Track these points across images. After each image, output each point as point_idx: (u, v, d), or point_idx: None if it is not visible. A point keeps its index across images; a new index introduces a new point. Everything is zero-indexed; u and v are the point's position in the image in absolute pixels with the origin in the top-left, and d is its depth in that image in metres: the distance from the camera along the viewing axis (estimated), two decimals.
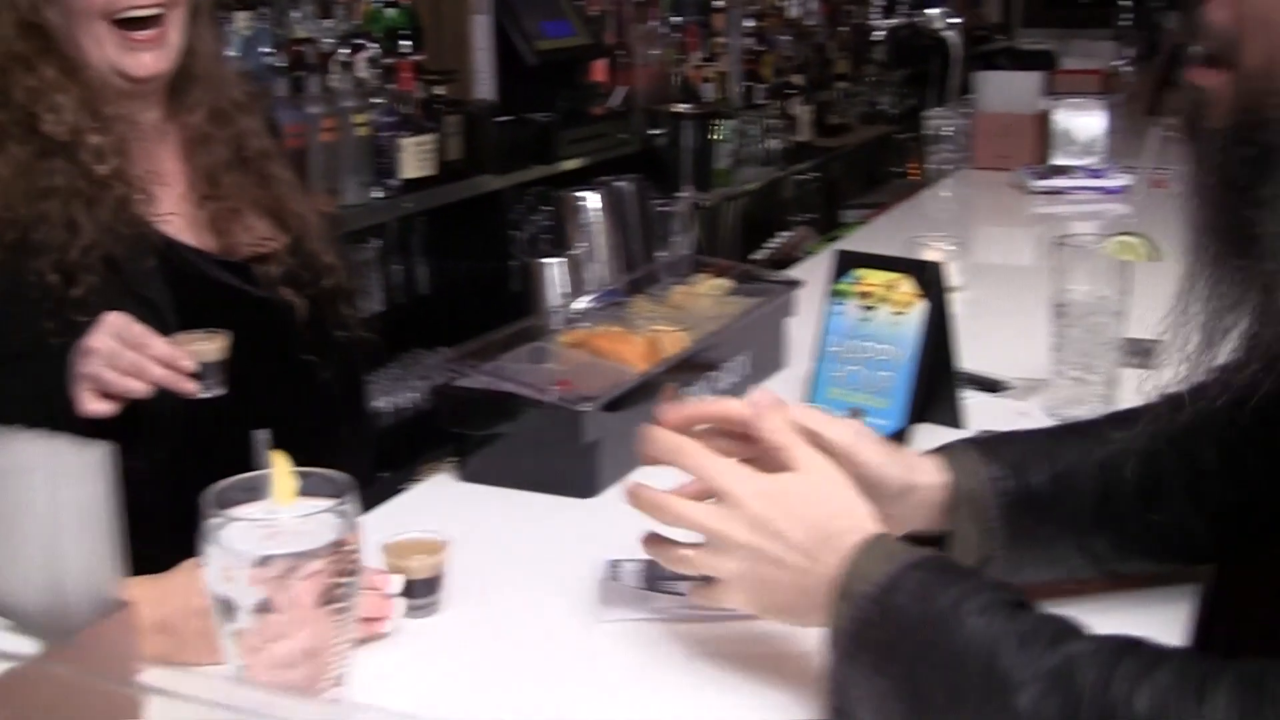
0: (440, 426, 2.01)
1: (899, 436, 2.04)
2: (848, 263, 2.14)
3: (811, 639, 1.36)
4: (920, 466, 1.52)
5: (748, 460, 1.39)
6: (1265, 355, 1.22)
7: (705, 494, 1.36)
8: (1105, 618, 1.21)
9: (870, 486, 1.42)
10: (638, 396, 1.97)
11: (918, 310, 2.06)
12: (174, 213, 2.08)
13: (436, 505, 1.95)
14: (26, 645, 1.15)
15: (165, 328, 1.89)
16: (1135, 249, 2.46)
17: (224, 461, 1.34)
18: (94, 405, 1.80)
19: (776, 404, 1.43)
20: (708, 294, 2.39)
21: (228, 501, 1.24)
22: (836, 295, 2.13)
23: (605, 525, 1.69)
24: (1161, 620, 1.53)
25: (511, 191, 4.40)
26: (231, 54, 3.48)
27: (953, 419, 2.12)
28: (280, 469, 1.27)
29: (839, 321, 2.12)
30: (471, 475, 1.99)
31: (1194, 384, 1.33)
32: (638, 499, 1.38)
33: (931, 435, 2.05)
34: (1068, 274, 2.11)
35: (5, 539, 1.20)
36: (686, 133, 5.17)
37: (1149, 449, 1.49)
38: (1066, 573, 1.55)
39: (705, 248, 4.95)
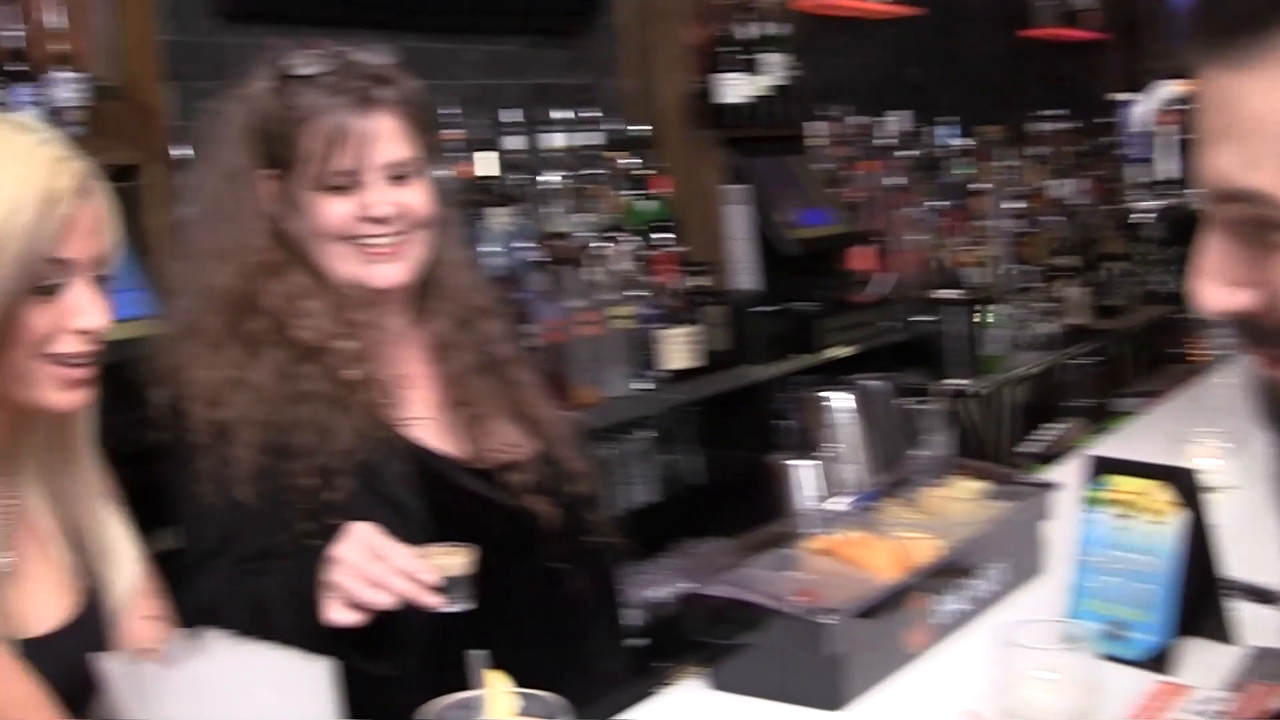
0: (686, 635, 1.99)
1: (1163, 653, 1.93)
2: (1100, 468, 2.06)
3: None
4: None
5: None
6: None
7: None
8: None
9: None
10: (885, 607, 1.92)
11: (1176, 519, 1.96)
12: (423, 418, 2.12)
13: (684, 712, 1.93)
14: None
15: (416, 534, 1.91)
16: None
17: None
18: (339, 615, 1.82)
19: None
20: (961, 497, 2.32)
21: None
22: (1090, 502, 2.05)
23: None
24: None
25: (775, 381, 4.37)
26: (489, 249, 3.59)
27: (1222, 633, 1.99)
28: (496, 690, 1.26)
29: (1094, 530, 2.03)
30: (720, 683, 1.96)
31: None
32: None
33: (1200, 650, 1.94)
34: None
35: None
36: (952, 319, 5.10)
37: None
38: None
39: (972, 439, 4.84)
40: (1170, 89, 6.86)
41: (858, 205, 5.11)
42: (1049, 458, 4.31)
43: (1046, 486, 2.38)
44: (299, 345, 2.04)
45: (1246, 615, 2.04)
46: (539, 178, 3.89)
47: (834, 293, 4.64)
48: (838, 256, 4.83)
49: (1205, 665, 1.92)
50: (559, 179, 3.91)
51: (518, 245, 3.67)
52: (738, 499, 4.01)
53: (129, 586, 1.81)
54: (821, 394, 2.56)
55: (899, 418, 2.56)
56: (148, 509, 1.98)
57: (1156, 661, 1.92)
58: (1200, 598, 1.98)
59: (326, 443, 1.99)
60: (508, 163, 3.82)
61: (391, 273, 2.09)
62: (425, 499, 2.02)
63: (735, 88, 4.46)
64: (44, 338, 1.61)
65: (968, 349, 5.12)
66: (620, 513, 3.58)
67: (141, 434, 2.04)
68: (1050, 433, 5.42)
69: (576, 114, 4.03)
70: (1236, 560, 2.07)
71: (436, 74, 3.87)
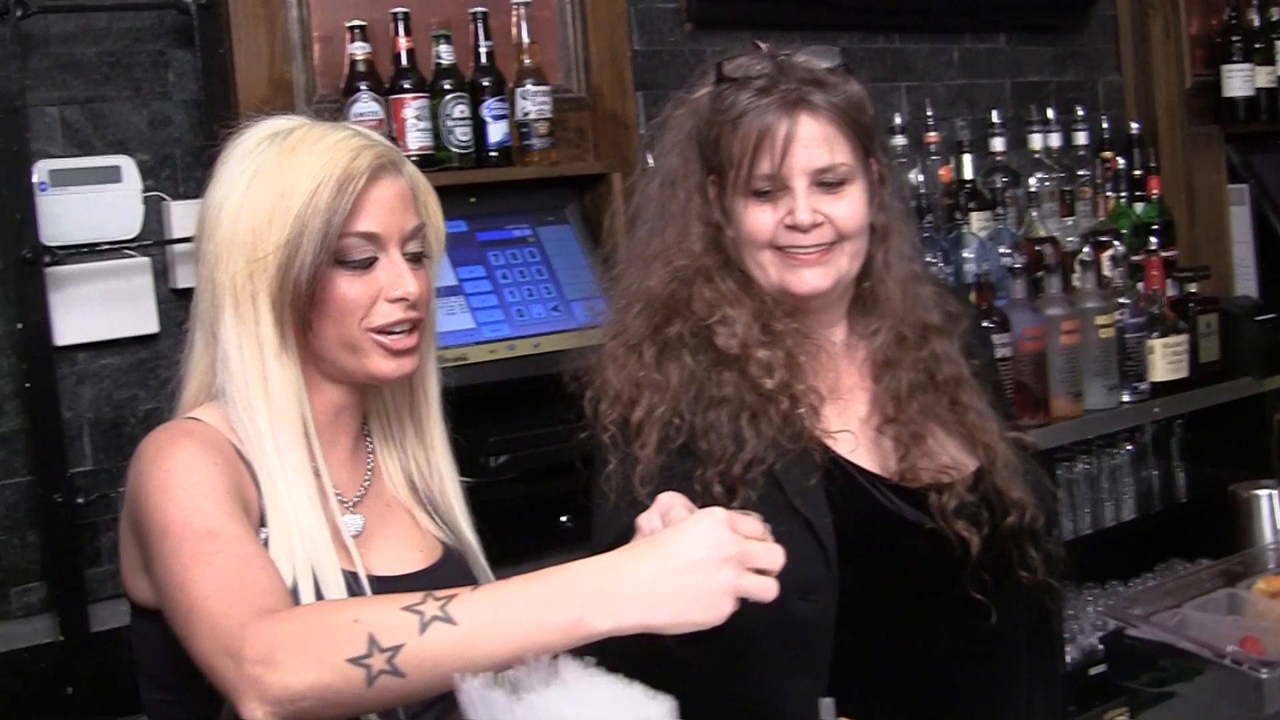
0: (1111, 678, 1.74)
1: None
2: None
3: None
4: None
5: None
6: None
7: None
8: None
9: None
10: None
11: None
12: (851, 432, 1.97)
13: None
14: None
15: (822, 549, 1.83)
16: None
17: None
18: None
19: None
20: None
21: None
22: None
23: None
24: None
25: (1269, 397, 3.90)
26: (968, 254, 3.33)
27: None
28: None
29: None
30: None
31: None
32: None
33: None
34: None
35: None
36: None
37: None
38: None
39: None
40: None
41: None
42: None
43: None
44: (718, 352, 1.94)
45: None
46: (1023, 180, 3.60)
47: None
48: None
49: None
50: (1044, 181, 3.59)
51: (999, 251, 3.36)
52: (1218, 522, 3.64)
53: (474, 541, 1.85)
54: None
55: None
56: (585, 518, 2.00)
57: None
58: None
59: (735, 450, 1.88)
60: (990, 165, 3.56)
61: (814, 279, 1.94)
62: (837, 514, 1.87)
63: (1242, 79, 4.04)
64: (364, 310, 1.69)
65: None
66: (1074, 538, 3.38)
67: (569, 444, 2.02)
68: None
69: (1064, 113, 3.72)
70: None
71: (915, 75, 3.73)
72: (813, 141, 1.90)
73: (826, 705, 1.47)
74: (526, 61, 2.87)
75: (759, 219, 1.93)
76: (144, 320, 2.64)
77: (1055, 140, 3.64)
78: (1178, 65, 4.08)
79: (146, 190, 2.64)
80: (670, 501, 1.55)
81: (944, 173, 3.45)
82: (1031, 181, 3.57)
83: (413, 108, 2.71)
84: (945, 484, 1.93)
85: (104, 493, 2.54)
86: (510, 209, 2.86)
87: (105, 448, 2.62)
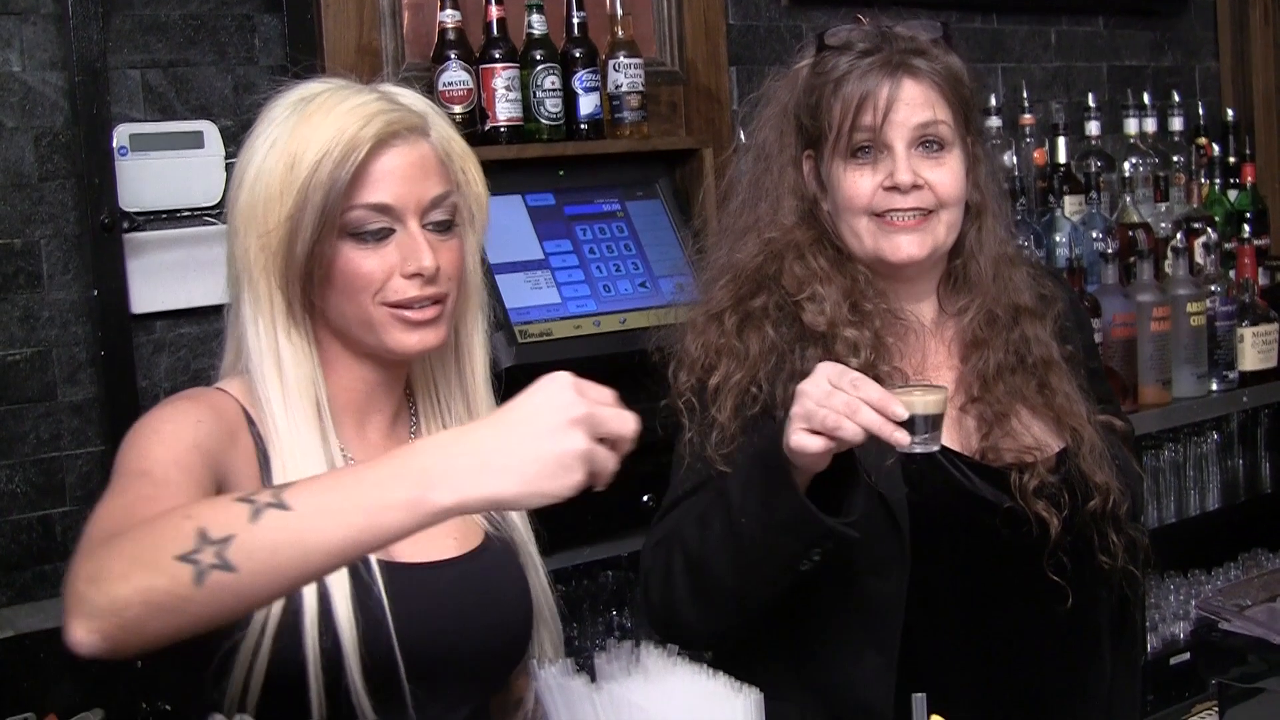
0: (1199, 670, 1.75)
1: None
2: None
3: None
4: None
5: None
6: None
7: None
8: None
9: None
10: None
11: None
12: None
13: None
14: None
15: (896, 526, 1.78)
16: None
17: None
18: (803, 440, 1.61)
19: None
20: None
21: None
22: None
23: None
24: None
25: None
26: (1059, 240, 3.19)
27: None
28: None
29: None
30: None
31: None
32: None
33: None
34: None
35: None
36: None
37: None
38: None
39: None
40: None
41: None
42: None
43: None
44: (804, 327, 1.88)
45: None
46: (1117, 165, 3.44)
47: None
48: None
49: None
50: (1138, 166, 3.44)
51: (1093, 235, 3.20)
52: None
53: (522, 525, 1.72)
54: None
55: None
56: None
57: None
58: None
59: None
60: (1085, 149, 3.42)
61: (909, 246, 1.86)
62: (914, 489, 1.81)
63: None
64: (378, 284, 1.56)
65: None
66: (1157, 526, 3.29)
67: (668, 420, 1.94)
68: None
69: (1160, 98, 3.58)
70: None
71: (1012, 56, 3.60)
72: (915, 101, 1.85)
73: (919, 701, 1.43)
74: (619, 33, 2.69)
75: (858, 182, 1.87)
76: (222, 289, 2.45)
77: (1150, 125, 3.52)
78: (1276, 53, 3.95)
79: (229, 157, 2.43)
80: None
81: (1038, 156, 3.31)
82: (1125, 166, 3.43)
83: (503, 78, 2.53)
84: (1027, 464, 1.87)
85: None
86: (599, 183, 2.69)
87: None
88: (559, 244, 2.59)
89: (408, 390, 1.71)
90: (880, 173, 1.85)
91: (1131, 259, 3.18)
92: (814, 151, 1.92)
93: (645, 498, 2.36)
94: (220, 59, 2.49)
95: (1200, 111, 3.71)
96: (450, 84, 2.50)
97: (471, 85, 2.52)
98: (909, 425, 1.60)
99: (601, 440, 1.27)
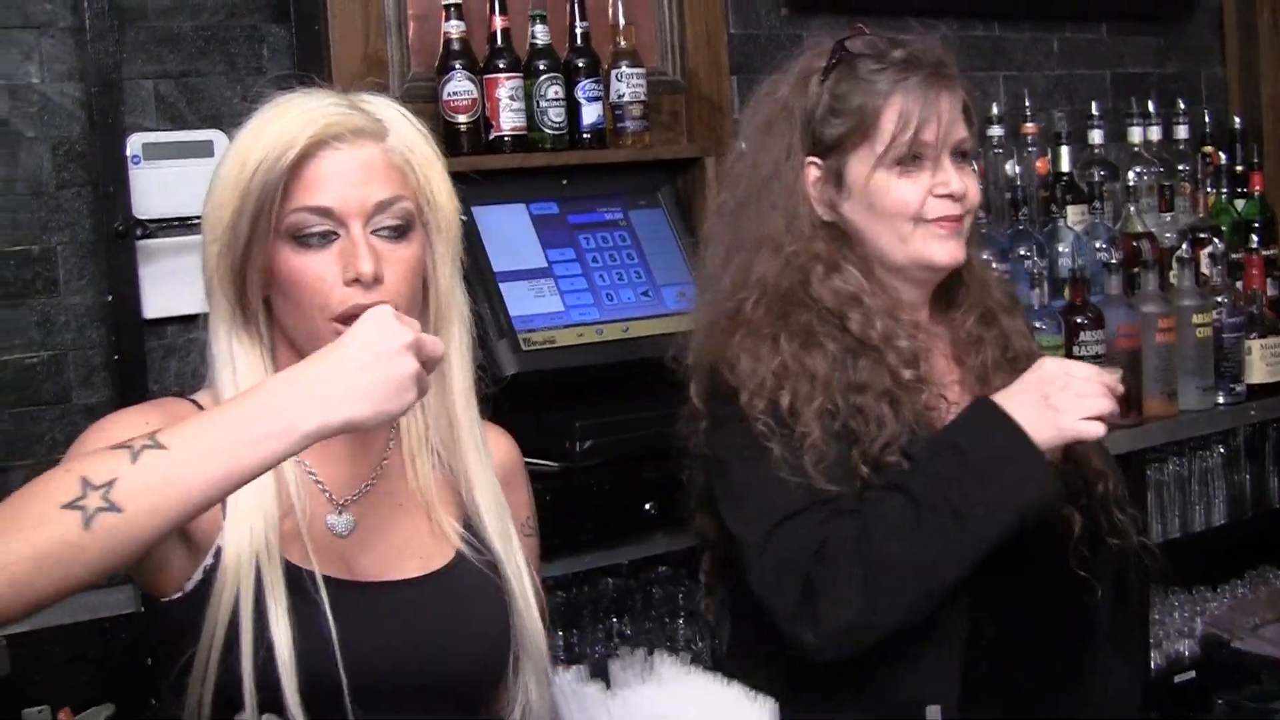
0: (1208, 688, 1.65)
1: None
2: None
3: None
4: None
5: None
6: None
7: None
8: None
9: None
10: None
11: None
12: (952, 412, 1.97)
13: None
14: None
15: None
16: None
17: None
18: (1094, 428, 1.79)
19: None
20: None
21: None
22: None
23: None
24: None
25: None
26: (1062, 250, 3.17)
27: None
28: None
29: None
30: None
31: None
32: None
33: None
34: None
35: None
36: None
37: None
38: None
39: None
40: None
41: None
42: None
43: None
44: (853, 338, 1.94)
45: None
46: (1121, 174, 3.43)
47: None
48: None
49: None
50: (1143, 175, 3.42)
51: (1096, 245, 3.19)
52: None
53: (506, 551, 1.68)
54: None
55: None
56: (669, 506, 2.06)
57: None
58: None
59: (877, 430, 1.90)
60: (1088, 158, 3.41)
61: (954, 250, 1.97)
62: None
63: None
64: (323, 293, 1.54)
65: None
66: (1162, 541, 3.24)
67: (670, 429, 2.03)
68: None
69: (1165, 106, 3.55)
70: None
71: (1014, 64, 3.60)
72: (954, 116, 1.96)
73: (933, 712, 1.48)
74: (622, 43, 2.75)
75: (907, 191, 1.94)
76: None
77: (1155, 134, 3.47)
78: None
79: None
80: None
81: (1041, 165, 3.29)
82: (1130, 175, 3.39)
83: (507, 88, 2.59)
84: None
85: None
86: (602, 192, 2.75)
87: None
88: (562, 252, 2.65)
89: None
90: (921, 183, 1.94)
91: (1136, 269, 3.17)
92: (822, 158, 1.98)
93: (647, 505, 2.42)
94: (230, 69, 2.57)
95: (1206, 119, 3.66)
96: (455, 94, 2.57)
97: (476, 95, 2.59)
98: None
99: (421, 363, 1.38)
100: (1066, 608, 1.94)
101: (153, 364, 2.48)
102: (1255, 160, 3.64)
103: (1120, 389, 1.81)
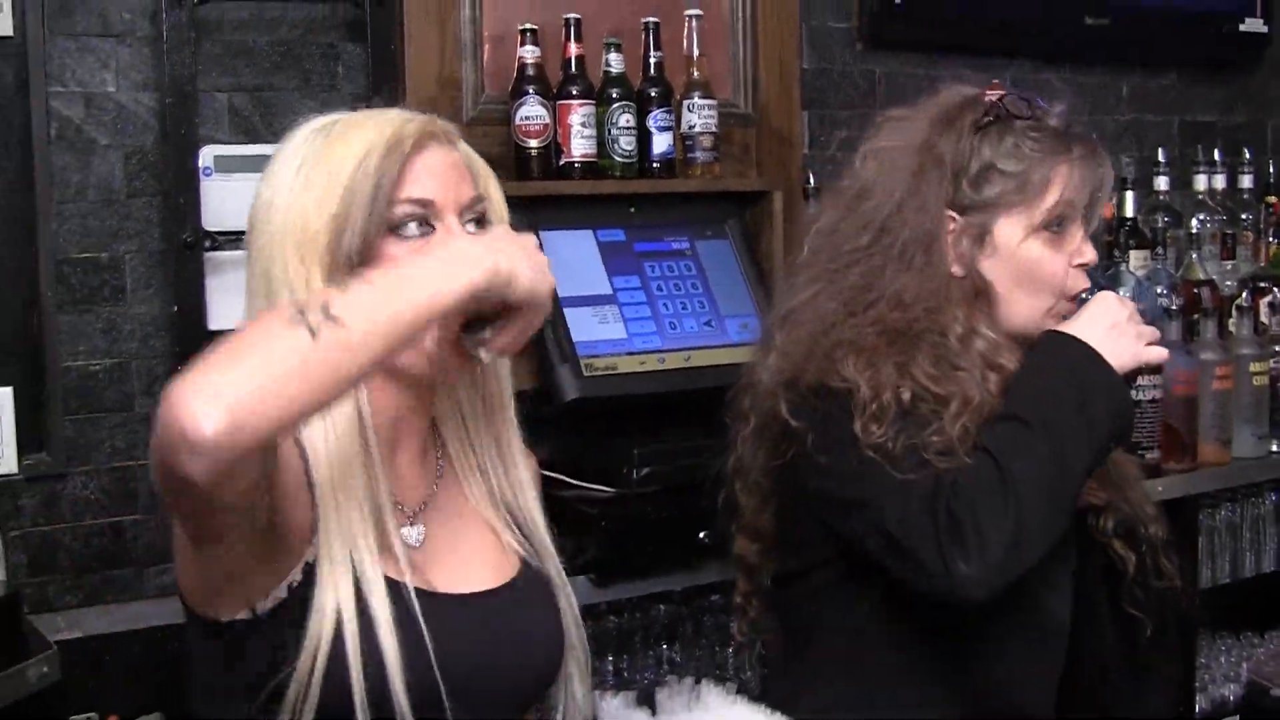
0: None
1: None
2: None
3: None
4: None
5: None
6: None
7: None
8: None
9: None
10: None
11: None
12: None
13: None
14: None
15: (1064, 537, 1.89)
16: None
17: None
18: (1159, 352, 1.92)
19: None
20: None
21: None
22: None
23: None
24: None
25: None
26: (1124, 294, 3.16)
27: None
28: None
29: None
30: None
31: None
32: None
33: None
34: None
35: None
36: None
37: None
38: None
39: None
40: None
41: None
42: None
43: None
44: (978, 356, 1.95)
45: None
46: (1184, 220, 3.46)
47: None
48: None
49: None
50: (1206, 223, 3.44)
51: (1157, 290, 3.21)
52: None
53: (552, 560, 1.72)
54: None
55: None
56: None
57: None
58: None
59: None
60: (1153, 203, 3.42)
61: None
62: None
63: None
64: None
65: None
66: (1210, 586, 3.25)
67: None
68: None
69: (1231, 154, 3.57)
70: None
71: (1084, 108, 3.55)
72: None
73: None
74: (695, 74, 2.76)
75: (1057, 263, 1.95)
76: None
77: (1220, 182, 3.50)
78: None
79: None
80: None
81: (1106, 209, 3.25)
82: (1193, 223, 3.42)
83: (579, 114, 2.61)
84: (1096, 506, 2.00)
85: None
86: (669, 221, 2.76)
87: None
88: (628, 280, 2.66)
89: (432, 425, 1.69)
90: (1064, 250, 1.96)
91: (1195, 316, 3.18)
92: (963, 213, 1.94)
93: (701, 534, 2.42)
94: (304, 85, 2.58)
95: (1271, 169, 3.67)
96: (527, 118, 2.59)
97: (548, 120, 2.60)
98: None
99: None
100: (1119, 643, 2.00)
101: None
102: None
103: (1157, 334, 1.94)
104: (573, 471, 2.43)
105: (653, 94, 2.69)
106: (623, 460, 2.48)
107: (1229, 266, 3.38)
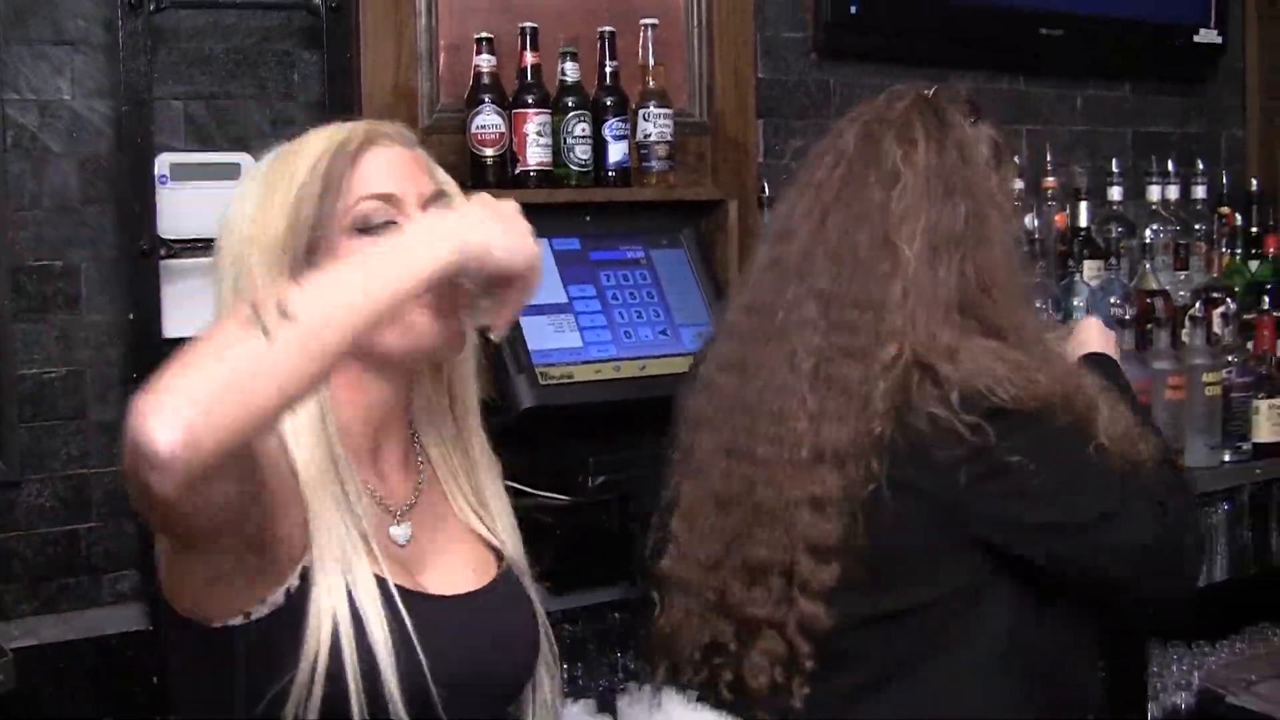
0: None
1: None
2: None
3: None
4: None
5: None
6: None
7: None
8: None
9: None
10: None
11: None
12: None
13: None
14: None
15: None
16: None
17: None
18: None
19: None
20: None
21: None
22: None
23: None
24: None
25: None
26: (1077, 304, 3.23)
27: None
28: None
29: None
30: None
31: None
32: None
33: None
34: None
35: None
36: None
37: None
38: None
39: None
40: None
41: None
42: None
43: None
44: None
45: None
46: (1138, 231, 3.48)
47: None
48: None
49: None
50: (1159, 233, 3.47)
51: (1110, 301, 3.22)
52: None
53: (523, 563, 1.78)
54: None
55: None
56: None
57: None
58: None
59: None
60: (1106, 214, 3.45)
61: None
62: None
63: None
64: None
65: None
66: None
67: None
68: None
69: (1184, 165, 3.60)
70: None
71: (1038, 119, 3.63)
72: None
73: None
74: (651, 83, 2.78)
75: None
76: None
77: (1173, 193, 3.52)
78: None
79: None
80: None
81: (1059, 219, 3.34)
82: (1147, 233, 3.45)
83: (534, 123, 2.63)
84: None
85: None
86: (625, 230, 2.78)
87: None
88: (583, 289, 2.67)
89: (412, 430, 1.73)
90: None
91: (1149, 326, 3.18)
92: None
93: None
94: (260, 93, 2.59)
95: (1225, 180, 3.71)
96: (483, 127, 2.61)
97: (504, 129, 2.62)
98: None
99: None
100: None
101: None
102: (1271, 223, 3.67)
103: None
104: (529, 480, 2.44)
105: (608, 103, 2.71)
106: (578, 468, 2.51)
107: (1182, 277, 3.40)
